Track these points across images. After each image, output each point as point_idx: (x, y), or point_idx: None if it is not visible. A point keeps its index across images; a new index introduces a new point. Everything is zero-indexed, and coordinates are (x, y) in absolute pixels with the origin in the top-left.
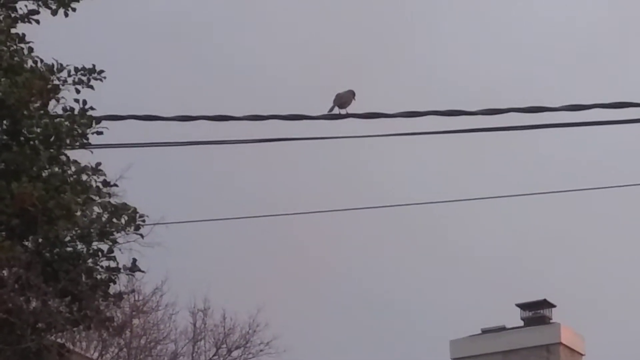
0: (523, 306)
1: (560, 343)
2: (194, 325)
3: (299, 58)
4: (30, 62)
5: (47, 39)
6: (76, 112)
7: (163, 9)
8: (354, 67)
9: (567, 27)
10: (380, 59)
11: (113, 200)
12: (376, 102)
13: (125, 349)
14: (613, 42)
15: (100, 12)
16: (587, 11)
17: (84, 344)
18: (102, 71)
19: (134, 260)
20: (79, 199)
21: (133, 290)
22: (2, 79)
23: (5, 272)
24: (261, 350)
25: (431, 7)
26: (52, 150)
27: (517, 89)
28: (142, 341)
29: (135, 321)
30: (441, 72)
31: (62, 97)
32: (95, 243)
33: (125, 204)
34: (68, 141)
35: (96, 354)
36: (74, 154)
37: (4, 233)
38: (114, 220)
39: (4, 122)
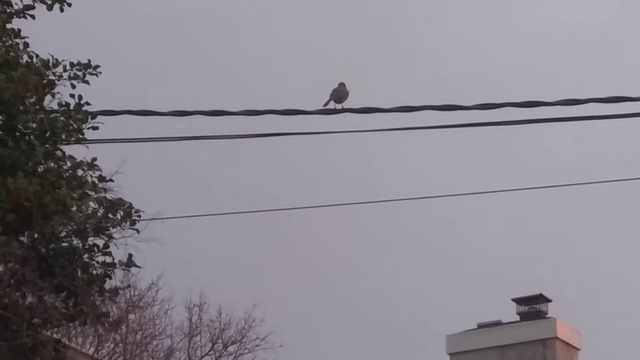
0: (519, 301)
1: (556, 337)
2: (190, 320)
3: (299, 57)
4: (25, 57)
5: (43, 35)
6: (72, 107)
7: (162, 6)
8: (357, 65)
9: (574, 28)
10: (382, 57)
11: (109, 196)
12: (380, 101)
13: (121, 344)
14: (617, 41)
15: (96, 8)
16: (592, 11)
17: (79, 339)
18: (97, 66)
19: (130, 255)
20: (74, 194)
21: (129, 286)
22: None
23: (0, 268)
24: (257, 346)
25: (437, 7)
26: (47, 145)
27: (523, 89)
28: (138, 336)
29: (131, 316)
30: (446, 73)
31: (58, 92)
32: (91, 238)
33: (121, 199)
34: (64, 136)
35: (92, 350)
36: (69, 149)
37: None
38: (110, 215)
39: (0, 117)
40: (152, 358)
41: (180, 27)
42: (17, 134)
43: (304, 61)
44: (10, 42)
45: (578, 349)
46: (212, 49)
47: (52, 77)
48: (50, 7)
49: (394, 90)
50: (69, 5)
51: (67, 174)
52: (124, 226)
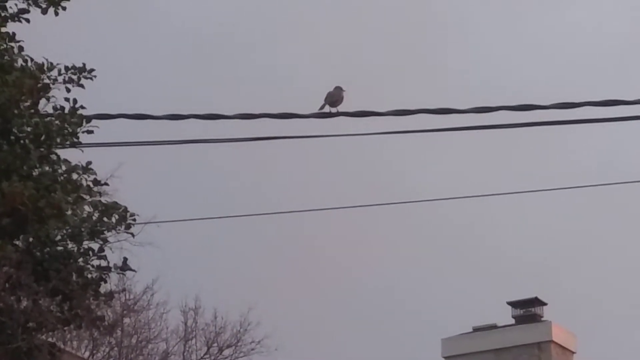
0: (514, 304)
1: (552, 341)
2: (185, 324)
3: (302, 59)
4: (20, 61)
5: (40, 38)
6: (67, 111)
7: (161, 8)
8: (372, 70)
9: (595, 31)
10: (396, 64)
11: (104, 199)
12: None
13: (116, 348)
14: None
15: (93, 11)
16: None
17: (75, 343)
18: (92, 70)
19: (125, 259)
20: (69, 198)
21: (124, 289)
22: None
23: None
24: (252, 349)
25: (456, 12)
26: (42, 149)
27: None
28: (133, 340)
29: (126, 320)
30: (453, 76)
31: (53, 96)
32: (86, 242)
33: (116, 203)
34: (58, 140)
35: (87, 353)
36: (64, 153)
37: None
38: (105, 219)
39: None
40: None
41: (183, 30)
42: (12, 137)
43: (309, 63)
44: (4, 45)
45: (574, 352)
46: (214, 52)
47: (46, 81)
48: (45, 11)
49: (401, 96)
50: (64, 9)
51: (62, 177)
52: (119, 230)
